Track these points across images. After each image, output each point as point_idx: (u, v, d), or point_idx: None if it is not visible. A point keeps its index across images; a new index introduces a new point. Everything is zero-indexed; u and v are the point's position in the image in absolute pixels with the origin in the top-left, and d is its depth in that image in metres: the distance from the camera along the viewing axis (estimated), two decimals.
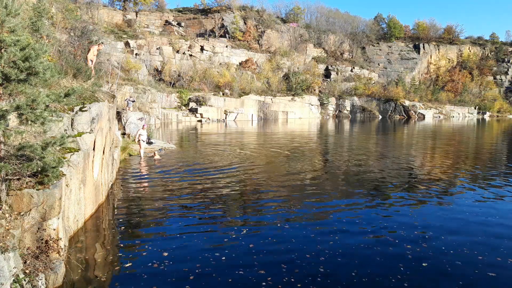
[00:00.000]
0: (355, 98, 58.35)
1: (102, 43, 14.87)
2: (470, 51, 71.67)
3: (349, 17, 71.83)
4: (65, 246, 6.08)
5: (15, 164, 5.28)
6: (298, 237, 7.30)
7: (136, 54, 45.65)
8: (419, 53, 68.94)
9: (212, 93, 45.05)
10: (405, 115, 56.22)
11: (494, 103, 65.96)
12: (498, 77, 69.94)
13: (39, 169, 5.49)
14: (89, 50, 14.01)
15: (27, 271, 4.78)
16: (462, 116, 62.24)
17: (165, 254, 6.41)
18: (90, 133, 8.30)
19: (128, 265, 6.05)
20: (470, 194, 10.98)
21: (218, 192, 10.78)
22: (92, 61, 13.70)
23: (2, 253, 4.35)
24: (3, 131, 5.00)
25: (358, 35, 68.06)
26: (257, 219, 8.48)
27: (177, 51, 49.29)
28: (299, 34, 62.40)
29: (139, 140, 16.61)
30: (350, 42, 66.95)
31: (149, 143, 18.02)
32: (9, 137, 5.25)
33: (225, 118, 44.12)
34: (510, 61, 70.41)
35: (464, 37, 74.63)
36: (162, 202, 9.70)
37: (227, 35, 55.70)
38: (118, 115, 20.83)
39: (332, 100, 57.75)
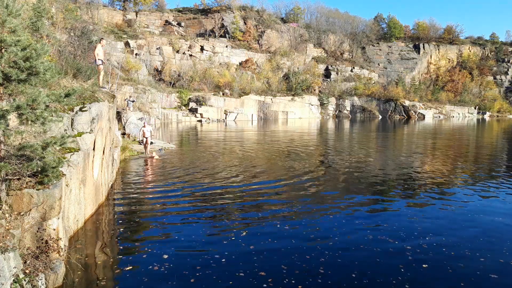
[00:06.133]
0: (355, 98, 58.34)
1: (102, 38, 14.81)
2: (470, 51, 71.67)
3: (349, 17, 71.85)
4: (65, 246, 6.06)
5: (15, 164, 5.27)
6: (298, 238, 7.29)
7: (136, 54, 45.63)
8: (419, 53, 68.94)
9: (212, 93, 45.04)
10: (405, 115, 56.22)
11: (494, 103, 65.97)
12: (498, 77, 69.94)
13: (39, 169, 5.48)
14: (95, 49, 13.70)
15: (27, 271, 4.77)
16: (462, 116, 62.24)
17: (165, 256, 6.38)
18: (90, 133, 8.29)
19: (128, 268, 6.02)
20: (471, 194, 10.96)
21: (218, 192, 10.76)
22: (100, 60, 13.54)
23: (2, 253, 4.34)
24: (3, 131, 4.99)
25: (358, 35, 68.08)
26: (257, 220, 8.47)
27: (177, 51, 49.27)
28: (299, 34, 62.38)
29: (144, 138, 16.79)
30: (350, 42, 66.94)
31: (150, 143, 18.04)
32: (9, 137, 5.24)
33: (225, 118, 44.11)
34: (510, 61, 70.41)
35: (464, 37, 74.75)
36: (162, 202, 9.68)
37: (227, 35, 55.69)
38: (118, 115, 20.83)
39: (332, 100, 57.76)
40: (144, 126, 17.19)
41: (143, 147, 17.12)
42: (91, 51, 19.88)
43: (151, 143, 18.48)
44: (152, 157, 16.04)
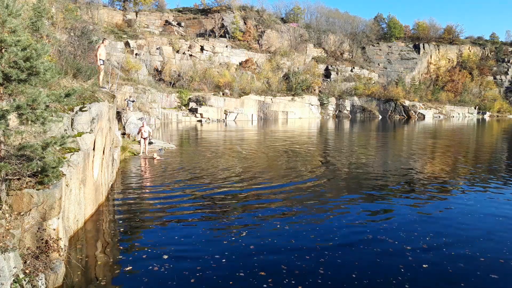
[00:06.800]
0: (355, 98, 58.33)
1: (105, 39, 14.87)
2: (470, 51, 71.65)
3: (349, 17, 71.83)
4: (65, 246, 6.07)
5: (15, 164, 5.27)
6: (298, 238, 7.29)
7: (136, 54, 45.62)
8: (419, 53, 68.92)
9: (212, 93, 45.03)
10: (405, 115, 56.20)
11: (494, 103, 65.95)
12: (498, 77, 69.91)
13: (39, 169, 5.48)
14: (98, 49, 13.74)
15: (27, 271, 4.77)
16: (462, 116, 62.23)
17: (165, 257, 6.38)
18: (90, 133, 8.29)
19: (128, 268, 6.02)
20: (471, 194, 10.96)
21: (218, 192, 10.77)
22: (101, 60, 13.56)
23: (2, 253, 4.34)
24: (3, 131, 4.99)
25: (358, 35, 68.06)
26: (257, 220, 8.47)
27: (177, 51, 49.26)
28: (299, 34, 62.37)
29: (142, 138, 16.75)
30: (350, 42, 66.93)
31: (149, 143, 18.02)
32: (9, 137, 5.24)
33: (225, 118, 44.10)
34: (510, 61, 70.39)
35: (464, 37, 74.71)
36: (162, 202, 9.68)
37: (227, 35, 55.68)
38: (118, 115, 20.82)
39: (332, 100, 57.74)
40: (142, 126, 17.12)
41: (141, 147, 17.04)
42: (91, 51, 19.90)
43: (151, 143, 18.47)
44: (153, 158, 16.00)
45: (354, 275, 5.82)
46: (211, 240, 7.17)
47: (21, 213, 5.29)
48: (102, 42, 14.12)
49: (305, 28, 64.18)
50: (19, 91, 5.18)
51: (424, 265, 6.17)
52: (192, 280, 5.62)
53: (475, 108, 65.07)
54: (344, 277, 5.77)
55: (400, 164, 16.27)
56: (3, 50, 5.06)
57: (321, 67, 61.24)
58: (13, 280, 4.40)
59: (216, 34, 54.68)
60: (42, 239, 5.32)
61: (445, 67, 69.80)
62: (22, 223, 5.20)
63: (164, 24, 54.86)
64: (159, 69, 46.80)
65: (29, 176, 5.56)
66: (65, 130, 7.59)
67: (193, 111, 42.63)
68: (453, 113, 62.07)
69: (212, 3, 59.11)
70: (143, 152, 16.78)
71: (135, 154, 16.85)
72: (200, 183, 11.87)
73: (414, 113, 56.15)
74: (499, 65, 70.78)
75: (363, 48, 67.92)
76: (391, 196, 10.78)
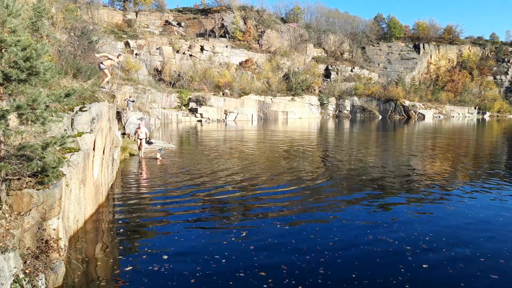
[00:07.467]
0: (355, 98, 58.32)
1: (120, 54, 15.00)
2: (470, 51, 71.64)
3: (349, 17, 71.81)
4: (65, 246, 6.06)
5: (15, 164, 5.27)
6: (298, 239, 7.29)
7: (136, 54, 45.61)
8: (419, 53, 68.91)
9: (212, 93, 45.03)
10: (405, 115, 56.19)
11: (494, 103, 65.94)
12: (498, 77, 69.90)
13: (39, 169, 5.48)
14: (108, 57, 13.89)
15: (27, 271, 4.77)
16: (462, 116, 62.21)
17: (165, 257, 6.38)
18: (90, 133, 8.29)
19: (128, 268, 6.01)
20: (471, 195, 10.96)
21: (218, 192, 10.76)
22: (106, 66, 13.67)
23: (2, 253, 4.34)
24: (3, 131, 4.99)
25: (358, 35, 68.06)
26: (257, 220, 8.47)
27: (177, 51, 49.26)
28: (299, 34, 62.36)
29: (138, 139, 16.64)
30: (350, 42, 66.92)
31: (149, 143, 17.98)
32: (9, 137, 5.24)
33: (225, 118, 44.10)
34: (510, 61, 70.37)
35: (464, 37, 74.68)
36: (162, 203, 9.68)
37: (227, 35, 55.68)
38: (118, 115, 20.81)
39: (332, 100, 57.73)
40: (139, 127, 16.94)
41: (138, 148, 16.95)
42: (91, 51, 19.90)
43: (151, 143, 18.44)
44: (156, 158, 15.97)
45: (354, 275, 5.82)
46: (211, 240, 7.16)
47: (21, 213, 5.29)
48: (117, 57, 14.28)
49: (305, 28, 64.16)
50: (19, 91, 5.18)
51: (424, 265, 6.17)
52: (192, 280, 5.62)
53: (475, 108, 65.06)
54: (344, 277, 5.76)
55: (400, 164, 16.27)
56: (3, 50, 5.06)
57: (321, 67, 61.23)
58: (13, 280, 4.40)
59: (216, 34, 54.67)
60: (42, 239, 5.32)
61: (445, 67, 69.79)
62: (22, 223, 5.20)
63: (164, 24, 54.85)
64: (159, 69, 46.80)
65: (29, 176, 5.56)
66: (65, 130, 7.59)
67: (193, 111, 42.63)
68: (453, 113, 62.06)
69: (212, 3, 59.16)
70: (143, 153, 16.75)
71: (135, 154, 16.85)
72: (200, 182, 11.87)
73: (414, 113, 56.14)
74: (499, 65, 70.78)
75: (363, 48, 67.91)
76: (391, 196, 10.78)
